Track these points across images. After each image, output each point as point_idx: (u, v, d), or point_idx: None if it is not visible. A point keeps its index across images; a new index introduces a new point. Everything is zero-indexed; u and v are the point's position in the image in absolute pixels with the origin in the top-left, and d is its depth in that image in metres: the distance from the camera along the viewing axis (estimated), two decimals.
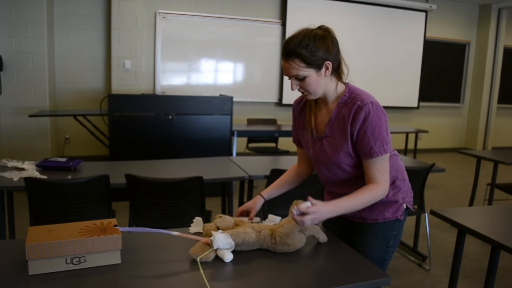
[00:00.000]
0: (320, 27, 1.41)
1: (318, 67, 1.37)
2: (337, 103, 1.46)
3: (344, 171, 1.51)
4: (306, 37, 1.35)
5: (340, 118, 1.45)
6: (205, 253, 1.26)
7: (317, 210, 1.31)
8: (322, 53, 1.36)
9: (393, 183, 1.53)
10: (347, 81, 1.49)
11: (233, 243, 1.31)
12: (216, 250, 1.29)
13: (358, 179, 1.49)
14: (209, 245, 1.30)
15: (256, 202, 1.63)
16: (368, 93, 1.45)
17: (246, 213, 1.65)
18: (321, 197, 2.68)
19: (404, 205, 1.58)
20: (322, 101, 1.50)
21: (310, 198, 1.33)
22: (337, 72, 1.45)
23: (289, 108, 6.70)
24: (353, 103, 1.41)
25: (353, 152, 1.45)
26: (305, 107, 1.58)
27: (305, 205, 1.30)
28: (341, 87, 1.47)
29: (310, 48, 1.35)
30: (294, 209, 1.30)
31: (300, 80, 1.39)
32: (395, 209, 1.55)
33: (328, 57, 1.38)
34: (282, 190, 1.71)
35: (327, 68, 1.39)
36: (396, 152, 1.60)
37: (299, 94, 1.51)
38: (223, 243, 1.29)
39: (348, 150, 1.45)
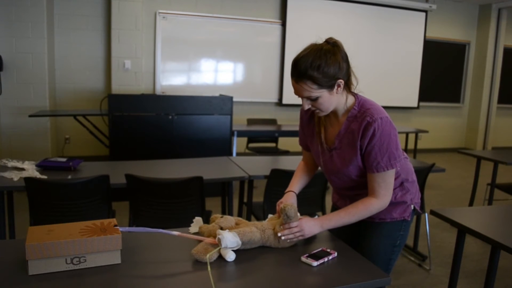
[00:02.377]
0: (328, 42, 1.37)
1: (330, 87, 1.35)
2: (347, 116, 1.45)
3: (354, 180, 1.52)
4: (317, 57, 1.31)
5: (349, 132, 1.44)
6: (212, 252, 1.26)
7: (301, 224, 1.39)
8: (333, 72, 1.33)
9: (401, 184, 1.55)
10: (356, 91, 1.47)
11: (240, 242, 1.32)
12: (219, 249, 1.29)
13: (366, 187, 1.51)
14: (213, 245, 1.30)
15: (291, 198, 1.61)
16: (378, 106, 1.44)
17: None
18: (321, 198, 2.69)
19: (412, 206, 1.59)
20: (332, 113, 1.48)
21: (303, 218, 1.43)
22: (347, 84, 1.43)
23: (289, 108, 6.70)
24: (362, 118, 1.40)
25: (363, 164, 1.46)
26: (313, 117, 1.57)
27: (293, 211, 1.40)
28: (350, 100, 1.46)
29: (322, 69, 1.31)
30: (279, 233, 1.38)
31: (313, 100, 1.38)
32: (403, 209, 1.56)
33: (340, 75, 1.35)
34: (305, 182, 1.71)
35: (339, 86, 1.37)
36: (405, 154, 1.59)
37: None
38: (231, 242, 1.29)
39: (357, 163, 1.45)
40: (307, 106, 1.40)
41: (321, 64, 1.31)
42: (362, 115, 1.41)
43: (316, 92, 1.34)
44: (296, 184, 1.67)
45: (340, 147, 1.48)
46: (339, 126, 1.48)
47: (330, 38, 1.39)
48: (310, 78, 1.32)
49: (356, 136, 1.41)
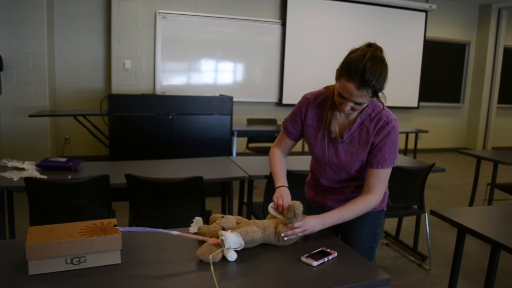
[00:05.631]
0: (378, 48, 1.39)
1: (377, 96, 1.42)
2: (359, 114, 1.52)
3: (349, 174, 1.59)
4: (383, 70, 1.35)
5: (362, 129, 1.51)
6: (215, 252, 1.27)
7: (304, 225, 1.41)
8: (385, 83, 1.39)
9: None
10: None
11: (243, 242, 1.32)
12: (222, 250, 1.29)
13: (357, 180, 1.61)
14: (217, 245, 1.30)
15: (287, 194, 1.60)
16: (388, 109, 1.53)
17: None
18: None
19: (387, 197, 1.70)
20: None
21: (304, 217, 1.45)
22: None
23: (289, 108, 6.69)
24: (378, 118, 1.49)
25: (365, 159, 1.53)
26: (323, 108, 1.58)
27: (301, 209, 1.42)
28: None
29: (382, 83, 1.37)
30: (282, 234, 1.39)
31: (355, 104, 1.41)
32: (382, 200, 1.64)
33: (385, 86, 1.40)
34: (285, 172, 1.72)
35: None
36: None
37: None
38: (235, 242, 1.30)
39: (363, 158, 1.53)
40: (347, 107, 1.42)
41: (385, 78, 1.37)
42: (377, 115, 1.50)
43: (367, 100, 1.39)
44: (283, 177, 1.66)
45: (348, 141, 1.54)
46: (350, 122, 1.54)
47: (377, 45, 1.41)
48: (372, 88, 1.36)
49: (371, 133, 1.50)
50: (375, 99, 1.52)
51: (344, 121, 1.55)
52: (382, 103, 1.50)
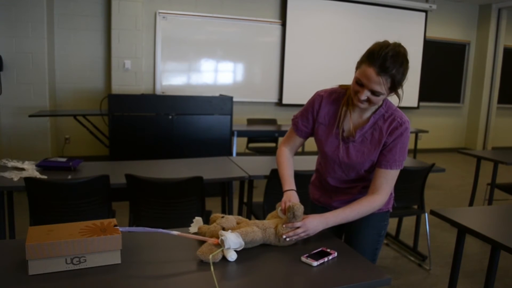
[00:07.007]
0: (401, 46, 1.41)
1: (395, 92, 1.42)
2: (373, 114, 1.51)
3: (358, 174, 1.58)
4: (404, 63, 1.37)
5: (376, 129, 1.51)
6: (215, 252, 1.26)
7: (305, 225, 1.40)
8: (404, 80, 1.40)
9: None
10: None
11: (243, 243, 1.32)
12: (222, 250, 1.29)
13: (365, 180, 1.60)
14: (217, 245, 1.30)
15: (295, 197, 1.57)
16: (400, 110, 1.53)
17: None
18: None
19: (393, 198, 1.69)
20: (358, 108, 1.52)
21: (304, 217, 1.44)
22: None
23: (289, 108, 6.69)
24: (392, 119, 1.50)
25: (376, 160, 1.53)
26: (337, 105, 1.57)
27: (301, 211, 1.41)
28: None
29: (402, 77, 1.37)
30: (284, 235, 1.39)
31: (372, 94, 1.40)
32: (388, 201, 1.64)
33: (403, 83, 1.41)
34: (293, 174, 1.70)
35: (396, 92, 1.43)
36: None
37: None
38: (235, 243, 1.29)
39: (374, 158, 1.52)
40: (364, 96, 1.40)
41: (404, 71, 1.38)
42: (390, 115, 1.51)
43: (384, 91, 1.38)
44: (291, 180, 1.63)
45: (360, 140, 1.53)
46: (363, 121, 1.53)
47: (401, 44, 1.43)
48: (392, 77, 1.36)
49: (384, 133, 1.49)
50: (388, 100, 1.53)
51: (358, 120, 1.54)
52: (399, 96, 1.45)
